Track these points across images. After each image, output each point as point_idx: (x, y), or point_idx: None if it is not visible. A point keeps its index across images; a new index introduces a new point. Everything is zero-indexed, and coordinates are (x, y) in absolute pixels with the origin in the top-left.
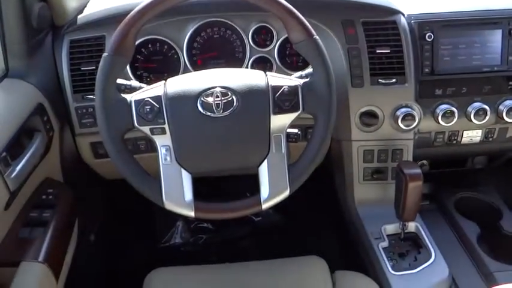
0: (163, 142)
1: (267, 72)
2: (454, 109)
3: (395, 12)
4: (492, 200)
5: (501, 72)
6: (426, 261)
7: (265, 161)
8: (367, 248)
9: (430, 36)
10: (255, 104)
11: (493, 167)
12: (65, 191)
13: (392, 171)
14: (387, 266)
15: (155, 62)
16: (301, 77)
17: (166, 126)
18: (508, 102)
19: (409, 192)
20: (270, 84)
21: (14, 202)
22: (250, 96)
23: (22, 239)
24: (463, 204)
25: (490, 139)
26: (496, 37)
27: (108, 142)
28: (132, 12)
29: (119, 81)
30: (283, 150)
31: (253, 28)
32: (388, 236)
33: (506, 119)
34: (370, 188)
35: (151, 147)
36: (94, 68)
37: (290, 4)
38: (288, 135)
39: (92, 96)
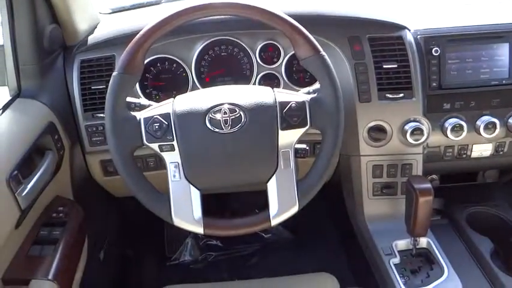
0: (172, 159)
1: (275, 89)
2: (463, 123)
3: (401, 27)
4: (504, 215)
5: (510, 86)
6: (439, 278)
7: (274, 176)
8: (379, 264)
9: (436, 51)
10: (263, 120)
11: (504, 180)
12: (75, 209)
13: (402, 186)
14: (399, 282)
15: (164, 80)
16: (308, 93)
17: (175, 143)
18: None
19: (419, 207)
20: (277, 100)
21: (24, 220)
22: (258, 112)
23: (32, 257)
24: (475, 219)
25: (501, 153)
26: (503, 51)
27: (118, 159)
28: (141, 32)
29: (129, 99)
30: (292, 165)
31: (260, 45)
32: (399, 252)
33: None
34: (379, 203)
35: (161, 165)
36: (104, 87)
37: (296, 21)
38: (296, 150)
39: (102, 115)
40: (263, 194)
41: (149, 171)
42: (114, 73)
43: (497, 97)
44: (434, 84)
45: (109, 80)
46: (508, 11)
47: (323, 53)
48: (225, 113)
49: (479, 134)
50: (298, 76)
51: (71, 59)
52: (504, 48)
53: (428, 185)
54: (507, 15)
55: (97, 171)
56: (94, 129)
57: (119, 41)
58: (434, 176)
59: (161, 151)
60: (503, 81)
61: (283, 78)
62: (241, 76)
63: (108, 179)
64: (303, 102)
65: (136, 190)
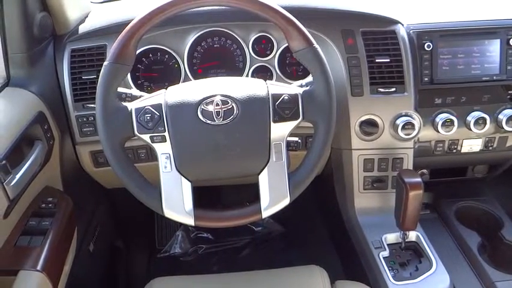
0: (163, 150)
1: (267, 81)
2: (454, 118)
3: (394, 22)
4: (493, 209)
5: (500, 82)
6: (427, 271)
7: (266, 169)
8: (368, 257)
9: (429, 46)
10: (255, 112)
11: (493, 176)
12: (64, 200)
13: (393, 180)
14: (388, 275)
15: (156, 71)
16: (301, 86)
17: (166, 134)
18: (507, 111)
19: (409, 201)
20: (270, 92)
21: (13, 210)
22: (251, 104)
23: (21, 247)
24: (463, 214)
25: (490, 148)
26: (494, 46)
27: (108, 150)
28: (134, 21)
29: (120, 89)
30: (284, 158)
31: (254, 38)
32: (388, 245)
33: (506, 128)
34: (370, 197)
35: (152, 156)
36: (95, 76)
37: (290, 14)
38: (288, 143)
39: (92, 105)
40: (255, 188)
41: (140, 162)
42: (106, 62)
43: (487, 93)
44: (426, 79)
45: (100, 70)
46: (500, 7)
47: (316, 45)
48: (217, 104)
49: (470, 129)
50: (291, 69)
51: (61, 48)
52: (495, 44)
53: (419, 179)
54: (499, 11)
55: (87, 162)
56: (84, 119)
57: (111, 30)
58: (424, 171)
59: (152, 142)
60: (494, 77)
61: (276, 71)
62: (234, 68)
63: (99, 170)
64: (296, 95)
65: (127, 181)
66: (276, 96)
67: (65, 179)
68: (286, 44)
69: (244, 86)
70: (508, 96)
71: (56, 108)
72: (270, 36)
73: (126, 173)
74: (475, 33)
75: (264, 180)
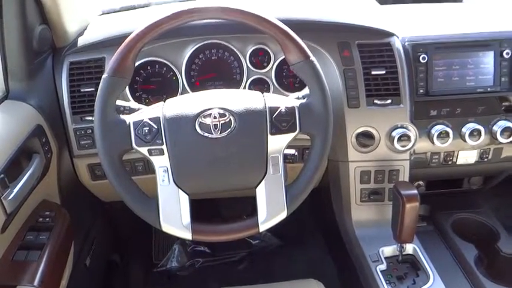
0: (161, 163)
1: (264, 93)
2: (449, 129)
3: (390, 34)
4: (489, 221)
5: (494, 93)
6: (425, 284)
7: (263, 182)
8: (365, 270)
9: (424, 58)
10: (253, 124)
11: (488, 187)
12: (61, 214)
13: (389, 192)
14: None
15: (154, 84)
16: (298, 98)
17: (164, 147)
18: (502, 123)
19: (406, 213)
20: (267, 105)
21: (10, 224)
22: (248, 117)
23: (18, 262)
24: (460, 226)
25: (485, 159)
26: (488, 59)
27: (106, 163)
28: (132, 34)
29: (118, 102)
30: (281, 171)
31: (251, 50)
32: (386, 258)
33: (501, 140)
34: (367, 209)
35: (149, 169)
36: (93, 89)
37: (287, 26)
38: (285, 156)
39: (90, 118)
40: (253, 200)
41: (137, 175)
42: (104, 75)
43: (482, 104)
44: (421, 90)
45: (98, 83)
46: (494, 20)
47: (313, 58)
48: (214, 117)
49: (465, 140)
50: (288, 81)
51: (60, 60)
52: (489, 56)
53: (415, 191)
54: (493, 23)
55: (85, 175)
56: (82, 132)
57: (109, 43)
58: (420, 182)
59: (150, 155)
60: (488, 89)
61: (273, 83)
62: (232, 80)
63: (96, 183)
64: (293, 108)
65: (124, 194)
66: (273, 109)
67: (63, 192)
68: (283, 56)
69: (241, 99)
70: (502, 108)
71: (54, 121)
72: (267, 49)
73: (124, 186)
74: (470, 45)
75: (261, 193)
